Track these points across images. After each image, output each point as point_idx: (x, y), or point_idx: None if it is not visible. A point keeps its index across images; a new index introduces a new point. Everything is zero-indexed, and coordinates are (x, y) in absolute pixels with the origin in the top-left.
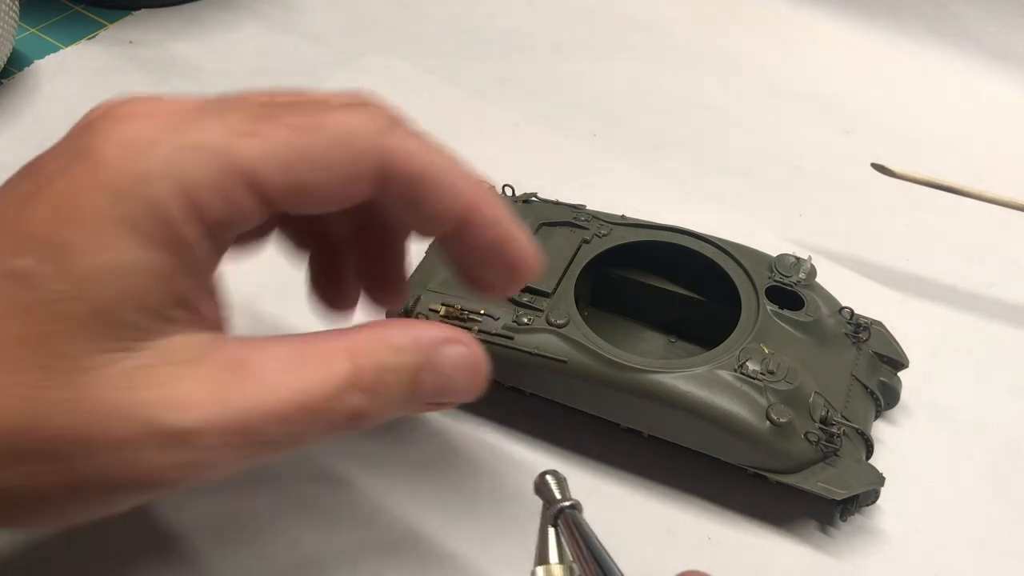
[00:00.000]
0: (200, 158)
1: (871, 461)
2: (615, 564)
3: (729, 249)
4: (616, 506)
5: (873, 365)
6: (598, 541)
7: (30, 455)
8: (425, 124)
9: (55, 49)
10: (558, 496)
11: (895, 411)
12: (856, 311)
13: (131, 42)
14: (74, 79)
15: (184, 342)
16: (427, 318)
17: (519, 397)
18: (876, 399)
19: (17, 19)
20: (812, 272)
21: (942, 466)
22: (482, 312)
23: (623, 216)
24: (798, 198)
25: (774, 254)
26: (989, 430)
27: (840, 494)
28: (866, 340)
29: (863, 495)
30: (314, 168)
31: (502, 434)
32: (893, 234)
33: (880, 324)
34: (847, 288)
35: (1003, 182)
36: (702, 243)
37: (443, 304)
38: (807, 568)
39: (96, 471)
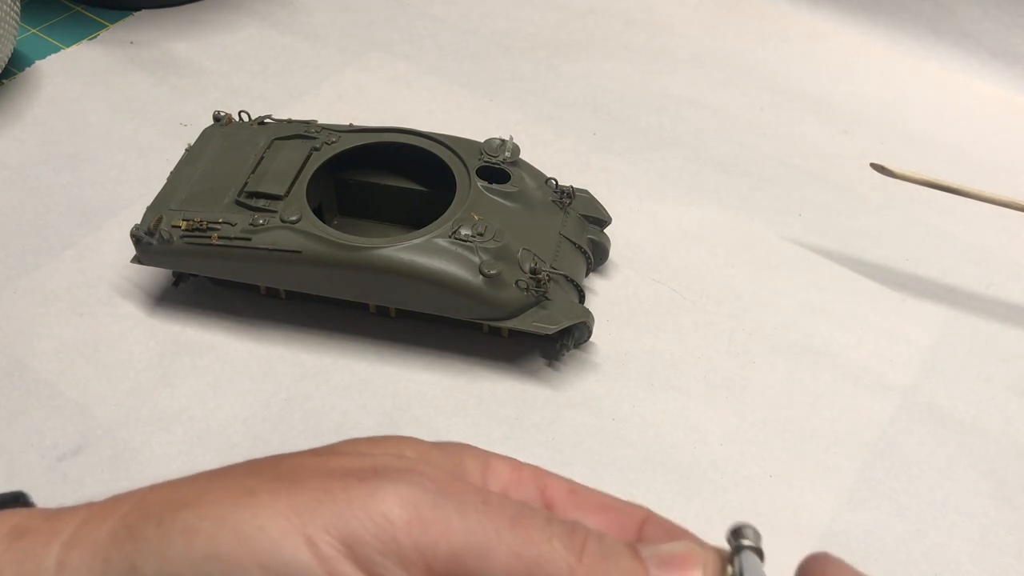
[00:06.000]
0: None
1: (585, 305)
2: None
3: (444, 140)
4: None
5: (581, 225)
6: None
7: None
8: (425, 124)
9: (56, 49)
10: (749, 542)
11: (607, 266)
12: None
13: (132, 42)
14: (75, 79)
15: None
16: (171, 233)
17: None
18: (586, 254)
19: (18, 19)
20: (516, 150)
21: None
22: (221, 221)
23: (351, 124)
24: (797, 198)
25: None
26: (988, 430)
27: (551, 329)
28: (571, 204)
29: (577, 333)
30: None
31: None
32: (892, 234)
33: (585, 191)
34: (847, 288)
35: (1002, 182)
36: (421, 139)
37: (184, 219)
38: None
39: None
